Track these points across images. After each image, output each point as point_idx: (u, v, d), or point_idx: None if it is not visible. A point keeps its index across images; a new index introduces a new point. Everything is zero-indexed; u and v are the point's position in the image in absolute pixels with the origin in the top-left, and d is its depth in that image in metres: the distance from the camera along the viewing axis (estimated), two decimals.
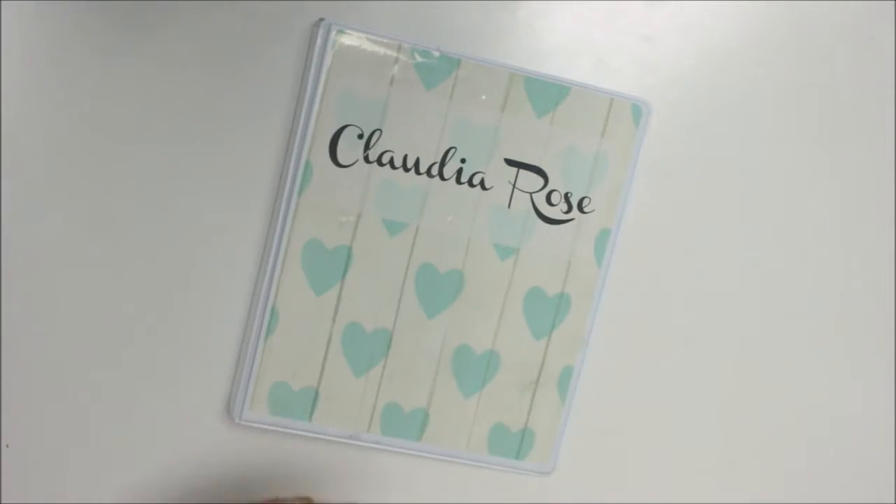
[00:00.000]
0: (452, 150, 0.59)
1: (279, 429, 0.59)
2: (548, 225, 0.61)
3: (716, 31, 0.63)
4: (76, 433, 0.58)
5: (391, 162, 0.58)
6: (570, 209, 0.61)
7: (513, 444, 0.62)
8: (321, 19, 0.57)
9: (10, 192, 0.56)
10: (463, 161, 0.59)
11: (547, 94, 0.59)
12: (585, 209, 0.61)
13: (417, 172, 0.59)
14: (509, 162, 0.60)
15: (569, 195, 0.61)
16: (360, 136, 0.58)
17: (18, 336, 0.56)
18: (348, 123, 0.57)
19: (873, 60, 0.64)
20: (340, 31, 0.56)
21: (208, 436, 0.59)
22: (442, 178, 0.59)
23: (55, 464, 0.58)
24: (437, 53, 0.58)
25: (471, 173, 0.59)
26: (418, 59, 0.58)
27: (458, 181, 0.59)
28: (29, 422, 0.57)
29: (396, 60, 0.57)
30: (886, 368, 0.67)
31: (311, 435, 0.60)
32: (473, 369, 0.61)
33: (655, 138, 0.62)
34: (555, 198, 0.60)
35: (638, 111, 0.61)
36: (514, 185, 0.60)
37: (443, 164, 0.59)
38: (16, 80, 0.55)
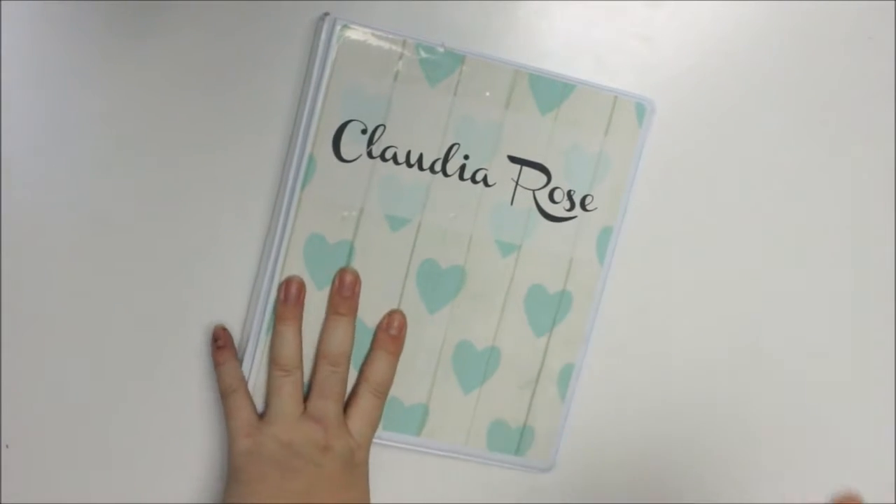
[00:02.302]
0: (456, 147, 0.59)
1: None
2: (550, 222, 0.61)
3: (716, 31, 0.63)
4: (76, 433, 0.57)
5: (394, 157, 0.58)
6: (572, 207, 0.61)
7: (512, 440, 0.62)
8: (326, 14, 0.56)
9: (10, 191, 0.55)
10: (466, 157, 0.59)
11: (551, 91, 0.59)
12: (588, 207, 0.61)
13: (420, 168, 0.59)
14: (512, 159, 0.60)
15: (571, 193, 0.61)
16: (364, 132, 0.57)
17: (18, 336, 0.56)
18: (352, 118, 0.57)
19: (873, 60, 0.65)
20: (345, 27, 0.56)
21: (209, 435, 0.59)
22: (445, 174, 0.59)
23: (55, 464, 0.57)
24: (441, 49, 0.58)
25: (474, 170, 0.59)
26: (423, 54, 0.57)
27: (461, 177, 0.59)
28: (29, 422, 0.57)
29: (401, 56, 0.57)
30: (887, 369, 0.67)
31: None
32: (474, 365, 0.61)
33: (658, 137, 0.62)
34: (557, 195, 0.60)
35: (642, 110, 0.61)
36: (516, 182, 0.60)
37: (446, 160, 0.59)
38: (16, 80, 0.54)
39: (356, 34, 0.56)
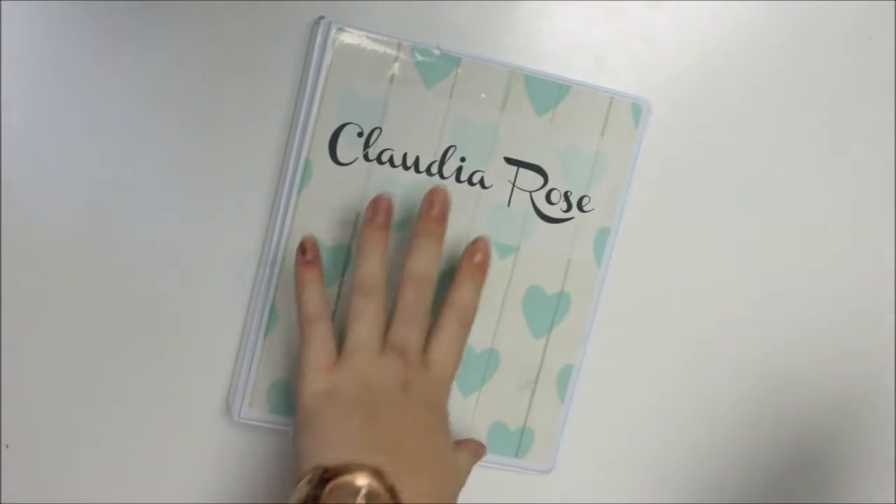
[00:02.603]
0: (452, 149, 0.59)
1: (278, 427, 0.59)
2: (547, 224, 0.61)
3: (716, 31, 0.63)
4: (76, 433, 0.58)
5: (391, 160, 0.58)
6: (569, 208, 0.61)
7: (512, 442, 0.62)
8: (321, 17, 0.57)
9: (11, 191, 0.56)
10: (463, 160, 0.59)
11: (547, 92, 0.59)
12: (585, 208, 0.61)
13: (417, 171, 0.59)
14: (509, 160, 0.60)
15: (568, 194, 0.61)
16: (360, 135, 0.58)
17: (18, 336, 0.56)
18: (348, 121, 0.57)
19: (873, 60, 0.64)
20: (340, 30, 0.56)
21: (208, 434, 0.59)
22: (441, 176, 0.59)
23: (55, 464, 0.58)
24: (437, 52, 0.58)
25: (470, 172, 0.59)
26: (418, 57, 0.58)
27: (458, 180, 0.59)
28: (29, 422, 0.57)
29: (396, 59, 0.57)
30: (887, 369, 0.67)
31: None
32: (473, 368, 0.61)
33: (655, 137, 0.62)
34: (554, 196, 0.60)
35: (638, 110, 0.61)
36: (513, 184, 0.60)
37: (442, 162, 0.59)
38: (16, 80, 0.55)
39: (351, 38, 0.57)
